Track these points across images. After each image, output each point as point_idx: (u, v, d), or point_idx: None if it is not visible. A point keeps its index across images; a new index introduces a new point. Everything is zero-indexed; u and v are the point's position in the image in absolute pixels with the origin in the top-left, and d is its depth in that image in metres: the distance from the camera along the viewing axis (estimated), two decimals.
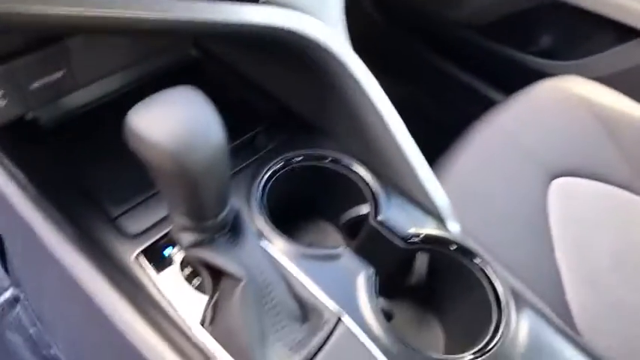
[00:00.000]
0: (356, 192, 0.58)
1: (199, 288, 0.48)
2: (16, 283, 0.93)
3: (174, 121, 0.36)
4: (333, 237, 0.64)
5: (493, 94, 1.32)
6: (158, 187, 0.41)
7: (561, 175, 0.90)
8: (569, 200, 0.87)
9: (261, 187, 0.55)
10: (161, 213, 0.53)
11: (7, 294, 0.92)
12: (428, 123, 1.09)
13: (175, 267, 0.49)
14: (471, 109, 1.30)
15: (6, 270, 0.95)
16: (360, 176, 0.58)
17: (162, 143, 0.35)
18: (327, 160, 0.59)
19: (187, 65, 0.71)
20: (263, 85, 0.68)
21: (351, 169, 0.58)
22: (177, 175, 0.37)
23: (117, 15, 0.42)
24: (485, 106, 1.06)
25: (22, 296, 0.92)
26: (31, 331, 0.90)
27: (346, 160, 0.59)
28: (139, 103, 0.37)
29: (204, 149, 0.37)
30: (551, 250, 0.80)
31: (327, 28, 0.54)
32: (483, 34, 1.31)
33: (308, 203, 0.63)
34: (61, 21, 0.40)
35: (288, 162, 0.58)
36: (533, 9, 1.26)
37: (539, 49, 1.27)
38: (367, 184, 0.58)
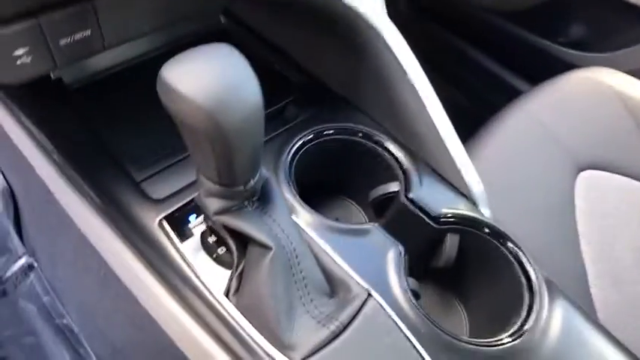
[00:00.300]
0: (386, 169, 0.57)
1: (219, 260, 0.47)
2: (30, 252, 0.93)
3: (210, 77, 0.34)
4: (356, 216, 0.62)
5: (518, 83, 1.29)
6: (188, 147, 0.40)
7: (589, 168, 0.88)
8: (596, 194, 0.85)
9: (289, 158, 0.53)
10: (186, 179, 0.51)
11: (22, 262, 0.91)
12: (450, 109, 1.07)
13: (197, 237, 0.48)
14: (495, 98, 1.27)
15: (20, 238, 0.94)
16: (391, 152, 0.56)
17: (197, 99, 0.34)
18: (358, 135, 0.57)
19: (216, 33, 0.69)
20: (294, 56, 0.66)
21: (383, 145, 0.56)
22: (211, 134, 0.35)
23: None
24: (509, 95, 1.04)
25: (36, 265, 0.92)
26: (45, 299, 0.90)
27: (378, 135, 0.57)
28: (174, 57, 0.35)
29: (241, 107, 0.35)
30: (577, 242, 0.78)
31: None
32: (512, 22, 1.28)
33: (332, 180, 0.61)
34: None
35: (318, 134, 0.56)
36: None
37: (569, 40, 1.24)
38: (398, 160, 0.56)
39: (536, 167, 0.85)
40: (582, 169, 0.86)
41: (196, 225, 0.49)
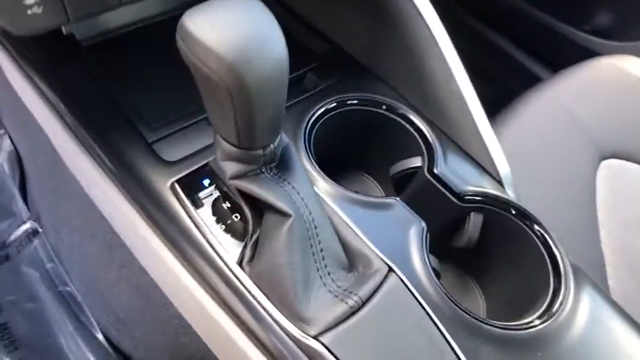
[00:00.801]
0: (408, 143, 0.54)
1: (232, 228, 0.44)
2: (35, 217, 0.91)
3: (235, 27, 0.32)
4: (373, 191, 0.60)
5: (540, 70, 1.25)
6: (206, 105, 0.37)
7: (611, 157, 0.85)
8: (618, 183, 0.82)
9: (309, 125, 0.51)
10: (201, 143, 0.49)
11: (26, 226, 0.90)
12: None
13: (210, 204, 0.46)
14: (516, 84, 1.24)
15: (26, 203, 0.93)
16: (416, 126, 0.54)
17: (220, 49, 0.31)
18: (382, 107, 0.54)
19: None
20: (316, 24, 0.64)
21: (407, 118, 0.54)
22: (233, 88, 0.33)
23: None
24: (530, 81, 1.00)
25: (40, 230, 0.90)
26: (48, 266, 0.88)
27: (402, 108, 0.54)
28: (196, 6, 0.33)
29: (265, 61, 0.33)
30: (596, 232, 0.76)
31: None
32: (536, 7, 1.24)
33: (349, 153, 0.59)
34: None
35: (341, 103, 0.54)
36: None
37: (593, 28, 1.20)
38: (422, 134, 0.53)
39: (558, 153, 0.83)
40: (605, 158, 0.84)
41: (209, 193, 0.46)
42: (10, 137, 0.94)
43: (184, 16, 0.33)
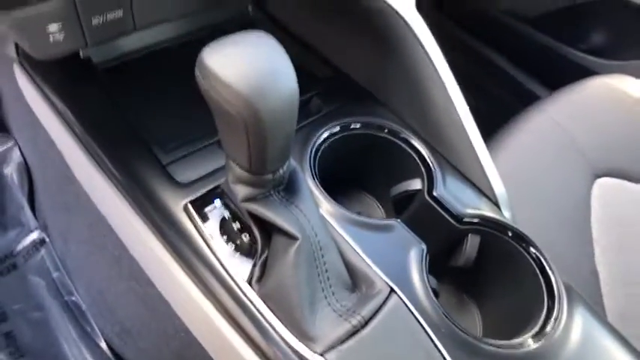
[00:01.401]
0: (408, 165, 0.56)
1: (240, 248, 0.47)
2: (42, 227, 0.93)
3: (251, 64, 0.34)
4: (375, 211, 0.62)
5: (536, 88, 1.28)
6: (220, 132, 0.40)
7: (606, 175, 0.87)
8: (612, 201, 0.84)
9: (314, 149, 0.53)
10: (213, 165, 0.51)
11: (33, 236, 0.92)
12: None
13: (221, 222, 0.48)
14: (512, 102, 1.27)
15: (33, 213, 0.95)
16: (417, 149, 0.56)
17: (237, 85, 0.34)
18: (384, 131, 0.57)
19: (244, 23, 0.69)
20: (320, 50, 0.66)
21: (408, 142, 0.56)
22: (248, 121, 0.35)
23: None
24: (527, 99, 1.03)
25: (47, 240, 0.92)
26: (54, 275, 0.90)
27: (403, 132, 0.57)
28: (215, 42, 0.35)
29: (279, 95, 0.35)
30: (591, 249, 0.78)
31: None
32: (532, 26, 1.27)
33: (352, 173, 0.61)
34: None
35: (344, 127, 0.56)
36: (587, 4, 1.22)
37: (589, 47, 1.23)
38: (422, 158, 0.56)
39: (553, 172, 0.85)
40: (599, 176, 0.86)
41: (217, 211, 0.49)
42: (19, 149, 0.96)
43: (203, 52, 0.35)
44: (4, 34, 0.56)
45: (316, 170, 0.52)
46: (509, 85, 1.33)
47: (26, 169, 0.96)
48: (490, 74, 1.33)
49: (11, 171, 0.97)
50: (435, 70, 0.53)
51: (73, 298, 0.88)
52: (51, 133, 0.63)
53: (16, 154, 0.97)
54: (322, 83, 0.62)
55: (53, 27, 0.49)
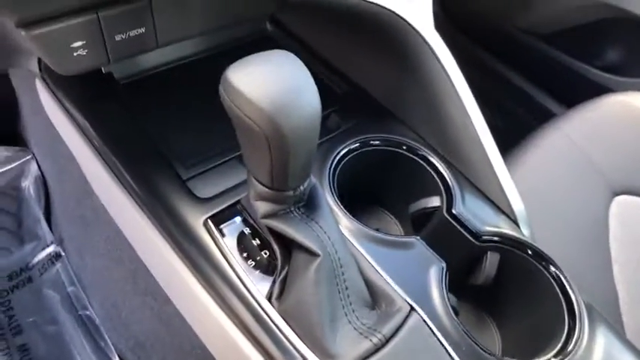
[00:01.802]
0: (427, 183, 0.56)
1: (259, 264, 0.46)
2: (58, 240, 0.93)
3: (275, 82, 0.35)
4: (393, 228, 0.62)
5: (552, 105, 1.27)
6: (243, 149, 0.40)
7: (624, 193, 0.86)
8: (630, 219, 0.83)
9: (333, 165, 0.53)
10: (233, 180, 0.51)
11: (49, 250, 0.92)
12: None
13: (241, 238, 0.48)
14: (528, 119, 1.26)
15: (49, 226, 0.96)
16: (435, 167, 0.56)
17: (261, 103, 0.34)
18: (402, 148, 0.57)
19: (262, 38, 0.69)
20: (338, 65, 0.67)
21: (426, 159, 0.56)
22: (271, 138, 0.35)
23: None
24: (542, 116, 1.03)
25: (63, 254, 0.92)
26: (69, 290, 0.90)
27: (421, 149, 0.57)
28: (239, 60, 0.36)
29: (302, 114, 0.36)
30: (609, 268, 0.77)
31: (415, 7, 0.52)
32: (547, 43, 1.27)
33: (370, 190, 0.61)
34: None
35: (364, 144, 0.56)
36: (602, 21, 1.22)
37: (604, 64, 1.23)
38: (442, 175, 0.55)
39: (570, 190, 0.84)
40: (617, 194, 0.85)
41: (237, 227, 0.49)
42: (37, 162, 0.98)
43: (228, 70, 0.35)
44: (27, 50, 0.57)
45: (335, 187, 0.52)
46: (525, 102, 1.32)
47: (43, 183, 0.98)
48: (506, 91, 1.33)
49: (28, 184, 0.98)
50: (453, 87, 0.53)
51: (88, 313, 0.89)
52: (71, 147, 0.64)
53: (33, 168, 0.98)
54: (340, 99, 0.63)
55: (77, 43, 0.50)
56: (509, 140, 0.92)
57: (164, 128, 0.56)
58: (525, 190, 0.82)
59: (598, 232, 0.80)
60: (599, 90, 1.05)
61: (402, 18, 0.50)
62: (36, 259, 0.93)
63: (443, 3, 1.36)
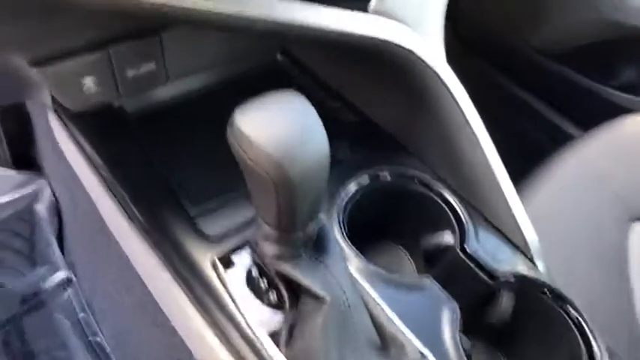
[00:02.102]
0: (440, 218, 0.55)
1: (268, 304, 0.46)
2: (70, 266, 0.94)
3: (282, 127, 0.34)
4: (405, 264, 0.61)
5: (569, 126, 1.25)
6: (251, 191, 0.39)
7: None
8: None
9: (343, 202, 0.52)
10: (242, 217, 0.51)
11: (61, 275, 0.92)
12: (497, 151, 1.04)
13: (249, 279, 0.47)
14: (545, 141, 1.24)
15: (62, 250, 0.96)
16: (448, 202, 0.55)
17: (268, 148, 0.33)
18: (414, 181, 0.56)
19: (273, 70, 0.69)
20: (348, 95, 0.66)
21: (439, 193, 0.55)
22: (278, 183, 0.35)
23: (223, 11, 0.40)
24: (559, 138, 1.01)
25: (74, 279, 0.92)
26: (80, 316, 0.90)
27: (434, 182, 0.56)
28: (247, 104, 0.35)
29: (309, 158, 0.35)
30: (630, 298, 0.75)
31: (425, 40, 0.51)
32: (562, 63, 1.25)
33: (381, 224, 0.60)
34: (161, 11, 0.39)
35: (374, 178, 0.55)
36: (617, 40, 1.20)
37: (622, 83, 1.20)
38: (455, 210, 0.54)
39: (588, 216, 0.82)
40: (636, 220, 0.83)
41: (245, 268, 0.48)
42: (50, 186, 0.98)
43: (236, 113, 0.35)
44: (39, 84, 0.58)
45: (345, 224, 0.51)
46: (541, 124, 1.30)
47: (56, 207, 0.98)
48: (521, 112, 1.32)
49: (42, 208, 0.98)
50: (467, 122, 0.52)
51: (98, 339, 0.88)
52: (81, 179, 0.64)
53: (47, 192, 0.99)
54: (350, 130, 0.62)
55: (88, 80, 0.51)
56: (525, 164, 0.91)
57: (174, 163, 0.56)
58: (541, 218, 0.80)
59: (617, 261, 0.78)
60: (618, 111, 1.03)
61: (412, 52, 0.49)
62: (47, 284, 0.93)
63: (455, 27, 1.36)
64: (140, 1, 0.36)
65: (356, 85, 0.65)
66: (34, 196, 0.99)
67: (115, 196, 0.55)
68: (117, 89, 0.52)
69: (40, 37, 0.46)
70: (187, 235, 0.49)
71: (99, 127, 0.58)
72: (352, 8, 0.47)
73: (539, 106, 1.29)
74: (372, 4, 0.48)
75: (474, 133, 0.52)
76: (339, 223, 0.51)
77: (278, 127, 0.34)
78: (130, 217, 0.53)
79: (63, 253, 0.96)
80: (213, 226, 0.50)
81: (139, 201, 0.52)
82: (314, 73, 0.69)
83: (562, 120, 1.26)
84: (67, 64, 0.49)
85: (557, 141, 0.97)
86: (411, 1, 0.51)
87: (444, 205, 0.55)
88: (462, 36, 1.37)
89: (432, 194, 0.55)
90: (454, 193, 0.55)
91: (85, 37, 0.49)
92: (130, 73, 0.52)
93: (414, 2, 0.51)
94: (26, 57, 0.47)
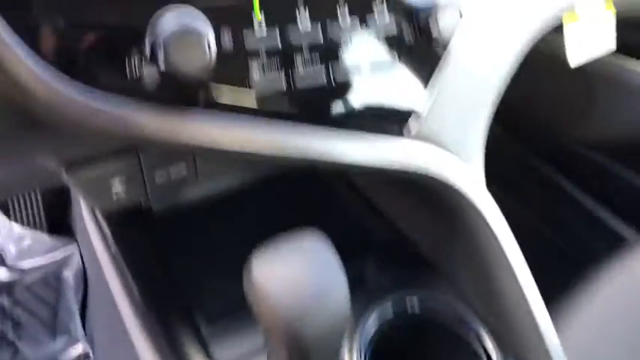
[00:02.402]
0: (468, 354, 0.51)
1: None
2: (89, 339, 0.92)
3: (300, 285, 0.32)
4: None
5: (621, 227, 1.18)
6: (264, 340, 0.37)
7: None
8: None
9: (364, 342, 0.49)
10: (252, 343, 0.48)
11: (79, 348, 0.91)
12: (545, 253, 0.97)
13: None
14: (596, 243, 1.17)
15: (83, 321, 0.95)
16: (480, 339, 0.50)
17: (277, 306, 0.31)
18: (443, 315, 0.52)
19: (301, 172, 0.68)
20: (381, 208, 0.64)
21: (472, 329, 0.51)
22: (288, 342, 0.32)
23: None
24: (612, 241, 0.94)
25: (91, 355, 0.91)
26: None
27: (466, 316, 0.52)
28: (265, 250, 0.34)
29: (325, 319, 0.32)
30: None
31: (467, 167, 0.49)
32: (619, 162, 1.19)
33: (404, 354, 0.56)
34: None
35: (400, 306, 0.52)
36: None
37: None
38: (485, 349, 0.50)
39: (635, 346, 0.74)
40: None
41: None
42: (80, 253, 0.99)
43: (254, 258, 0.33)
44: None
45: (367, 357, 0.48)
46: (594, 225, 1.22)
47: (84, 275, 0.98)
48: (571, 211, 1.25)
49: (69, 275, 0.99)
50: (506, 258, 0.48)
51: None
52: (103, 268, 0.63)
53: (76, 258, 0.99)
54: (378, 246, 0.59)
55: (116, 185, 0.50)
56: (577, 267, 0.84)
57: (192, 269, 0.54)
58: (582, 344, 0.73)
59: None
60: None
61: (448, 183, 0.46)
62: (65, 357, 0.92)
63: (504, 123, 1.33)
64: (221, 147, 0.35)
65: (390, 197, 0.63)
66: (64, 262, 1.00)
67: (130, 294, 0.54)
68: (146, 193, 0.52)
69: (78, 142, 0.47)
70: (195, 357, 0.47)
71: (123, 220, 0.58)
72: (387, 132, 0.45)
73: (591, 205, 1.22)
74: (412, 129, 0.46)
75: (514, 271, 0.48)
76: (358, 354, 0.48)
77: (291, 282, 0.32)
78: (141, 319, 0.52)
79: (84, 324, 0.95)
80: (223, 349, 0.48)
81: (150, 307, 0.51)
82: (347, 181, 0.68)
83: (615, 221, 1.19)
84: (96, 169, 0.49)
85: (610, 242, 0.90)
86: (453, 123, 0.49)
87: (477, 343, 0.50)
88: (506, 126, 1.34)
89: (462, 328, 0.51)
90: (487, 327, 0.51)
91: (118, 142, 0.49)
92: (160, 177, 0.52)
93: (457, 123, 0.49)
94: (57, 161, 0.47)
